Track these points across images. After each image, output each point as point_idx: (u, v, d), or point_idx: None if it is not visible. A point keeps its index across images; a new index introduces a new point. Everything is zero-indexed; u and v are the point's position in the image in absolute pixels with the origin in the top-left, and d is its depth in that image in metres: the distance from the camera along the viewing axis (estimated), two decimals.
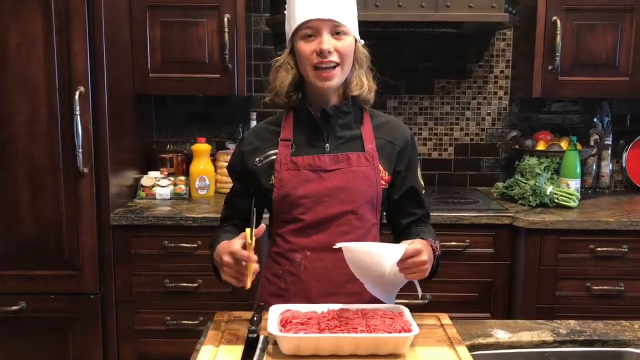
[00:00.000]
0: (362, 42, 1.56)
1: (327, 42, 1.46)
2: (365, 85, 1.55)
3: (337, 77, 1.50)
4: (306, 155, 1.54)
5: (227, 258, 1.37)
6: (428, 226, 1.65)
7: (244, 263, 1.35)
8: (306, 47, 1.48)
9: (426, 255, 1.38)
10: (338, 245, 1.37)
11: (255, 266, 1.34)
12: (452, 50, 3.10)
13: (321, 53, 1.45)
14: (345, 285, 1.51)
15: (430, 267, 1.42)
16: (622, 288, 2.51)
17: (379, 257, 1.35)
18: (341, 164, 1.53)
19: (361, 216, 1.54)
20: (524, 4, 2.80)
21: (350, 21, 1.50)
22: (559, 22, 2.65)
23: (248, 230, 1.37)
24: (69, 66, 2.32)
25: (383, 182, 1.56)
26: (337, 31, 1.48)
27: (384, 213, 1.66)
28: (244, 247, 1.36)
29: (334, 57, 1.47)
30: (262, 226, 1.42)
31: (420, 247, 1.38)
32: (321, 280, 1.52)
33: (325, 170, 1.53)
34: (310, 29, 1.47)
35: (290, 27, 1.52)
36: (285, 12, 1.56)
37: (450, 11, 2.55)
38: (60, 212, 2.39)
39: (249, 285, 1.36)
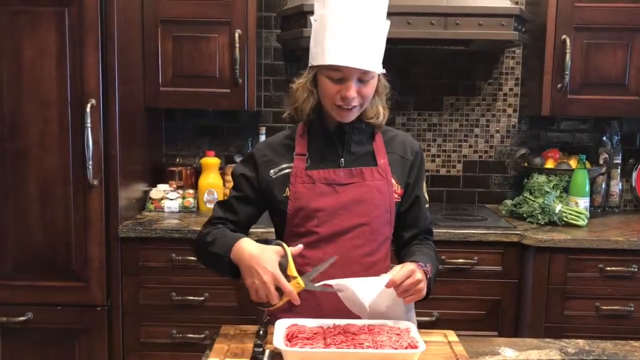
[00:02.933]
0: (384, 71, 1.54)
1: (354, 89, 1.46)
2: (381, 115, 1.57)
3: (355, 113, 1.53)
4: (321, 169, 1.55)
5: (266, 277, 1.37)
6: (428, 245, 1.65)
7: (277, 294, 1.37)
8: (331, 88, 1.48)
9: (420, 274, 1.41)
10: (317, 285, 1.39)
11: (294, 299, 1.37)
12: (461, 68, 3.11)
13: (345, 99, 1.47)
14: None
15: (425, 287, 1.44)
16: (632, 308, 2.48)
17: (360, 295, 1.36)
18: (355, 178, 1.56)
19: (375, 229, 1.55)
20: (533, 23, 2.81)
21: (378, 63, 1.49)
22: (568, 40, 2.65)
23: (287, 248, 1.40)
24: (81, 80, 2.35)
25: (396, 196, 1.59)
26: (365, 78, 1.48)
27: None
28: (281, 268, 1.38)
29: (356, 101, 1.49)
30: (300, 246, 1.44)
31: (414, 267, 1.41)
32: (334, 295, 1.52)
33: (340, 184, 1.55)
34: (339, 73, 1.46)
35: (316, 59, 1.50)
36: (311, 33, 1.53)
37: (460, 29, 2.57)
38: (70, 223, 2.41)
39: (275, 307, 1.40)
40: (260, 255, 1.40)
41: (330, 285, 1.39)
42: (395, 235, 1.67)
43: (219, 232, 1.55)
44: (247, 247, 1.44)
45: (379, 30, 1.48)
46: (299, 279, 1.38)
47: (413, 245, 1.64)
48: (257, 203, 1.62)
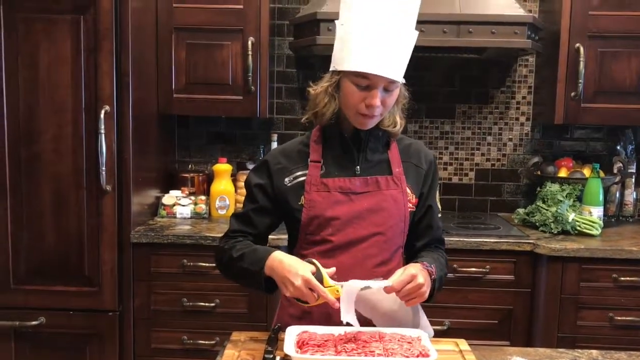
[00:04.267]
0: (404, 81, 1.53)
1: (379, 98, 1.45)
2: (398, 124, 1.57)
3: (375, 121, 1.52)
4: (336, 177, 1.55)
5: (301, 284, 1.36)
6: (438, 251, 1.65)
7: (316, 295, 1.37)
8: (357, 95, 1.46)
9: (422, 278, 1.40)
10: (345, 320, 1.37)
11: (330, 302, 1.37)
12: (474, 76, 3.10)
13: (370, 107, 1.46)
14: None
15: (428, 290, 1.44)
16: None
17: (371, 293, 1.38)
18: (370, 187, 1.55)
19: (389, 239, 1.55)
20: (547, 31, 2.80)
21: (403, 72, 1.48)
22: (582, 49, 2.64)
23: (317, 263, 1.40)
24: (95, 86, 2.37)
25: (410, 205, 1.58)
26: (390, 88, 1.47)
27: None
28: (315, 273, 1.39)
29: (378, 110, 1.48)
30: (333, 269, 1.43)
31: (415, 272, 1.39)
32: None
33: (355, 193, 1.54)
34: (366, 80, 1.44)
35: (342, 64, 1.48)
36: (336, 38, 1.51)
37: (473, 37, 2.56)
38: (82, 228, 2.42)
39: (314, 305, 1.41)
40: (291, 263, 1.41)
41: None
42: (406, 244, 1.66)
43: (243, 246, 1.54)
44: (278, 258, 1.44)
45: (408, 40, 1.47)
46: (337, 286, 1.37)
47: (423, 251, 1.63)
48: (274, 212, 1.60)
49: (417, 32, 1.50)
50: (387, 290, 1.37)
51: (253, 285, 1.52)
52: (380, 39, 1.42)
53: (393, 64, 1.43)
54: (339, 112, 1.54)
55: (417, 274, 1.39)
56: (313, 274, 1.37)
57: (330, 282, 1.38)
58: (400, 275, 1.40)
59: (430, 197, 1.64)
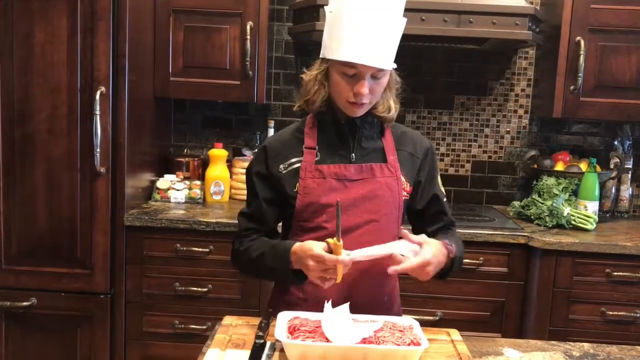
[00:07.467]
0: (395, 66, 1.51)
1: (367, 86, 1.44)
2: (392, 110, 1.56)
3: (366, 109, 1.51)
4: (331, 163, 1.54)
5: (311, 262, 1.37)
6: (454, 232, 1.66)
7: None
8: (344, 84, 1.46)
9: (433, 267, 1.42)
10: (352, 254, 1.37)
11: (346, 261, 1.36)
12: (473, 67, 3.09)
13: (358, 95, 1.45)
14: (362, 297, 1.50)
15: (440, 270, 1.48)
16: (638, 315, 2.46)
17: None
18: (365, 174, 1.54)
19: (384, 226, 1.54)
20: (548, 23, 2.78)
21: (392, 60, 1.47)
22: (582, 42, 2.63)
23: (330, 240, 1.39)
24: (91, 66, 2.35)
25: (404, 193, 1.58)
26: (378, 75, 1.46)
27: (410, 225, 1.68)
28: (329, 250, 1.37)
29: (367, 98, 1.47)
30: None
31: (429, 259, 1.40)
32: (341, 291, 1.50)
33: (350, 180, 1.53)
34: (354, 69, 1.43)
35: (330, 53, 1.47)
36: (325, 25, 1.50)
37: (473, 27, 2.54)
38: (76, 210, 2.41)
39: (339, 280, 1.39)
40: (303, 247, 1.41)
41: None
42: (418, 230, 1.66)
43: (260, 244, 1.54)
44: (295, 250, 1.44)
45: (395, 28, 1.46)
46: (334, 239, 1.36)
47: (440, 233, 1.62)
48: (277, 201, 1.59)
49: (405, 19, 1.49)
50: (392, 271, 1.38)
51: (284, 281, 1.56)
52: (368, 27, 1.41)
53: (380, 53, 1.42)
54: (331, 99, 1.54)
55: (431, 262, 1.41)
56: (326, 251, 1.38)
57: (344, 252, 1.38)
58: (413, 260, 1.39)
59: (433, 185, 1.64)
